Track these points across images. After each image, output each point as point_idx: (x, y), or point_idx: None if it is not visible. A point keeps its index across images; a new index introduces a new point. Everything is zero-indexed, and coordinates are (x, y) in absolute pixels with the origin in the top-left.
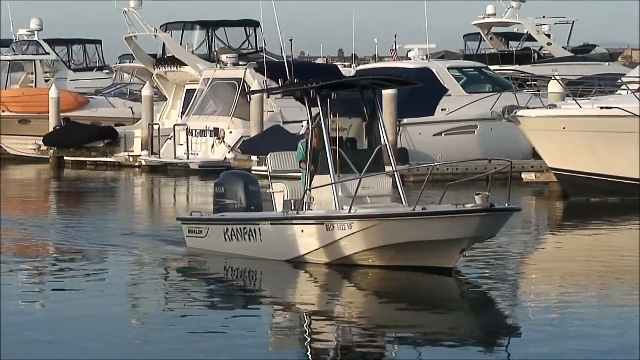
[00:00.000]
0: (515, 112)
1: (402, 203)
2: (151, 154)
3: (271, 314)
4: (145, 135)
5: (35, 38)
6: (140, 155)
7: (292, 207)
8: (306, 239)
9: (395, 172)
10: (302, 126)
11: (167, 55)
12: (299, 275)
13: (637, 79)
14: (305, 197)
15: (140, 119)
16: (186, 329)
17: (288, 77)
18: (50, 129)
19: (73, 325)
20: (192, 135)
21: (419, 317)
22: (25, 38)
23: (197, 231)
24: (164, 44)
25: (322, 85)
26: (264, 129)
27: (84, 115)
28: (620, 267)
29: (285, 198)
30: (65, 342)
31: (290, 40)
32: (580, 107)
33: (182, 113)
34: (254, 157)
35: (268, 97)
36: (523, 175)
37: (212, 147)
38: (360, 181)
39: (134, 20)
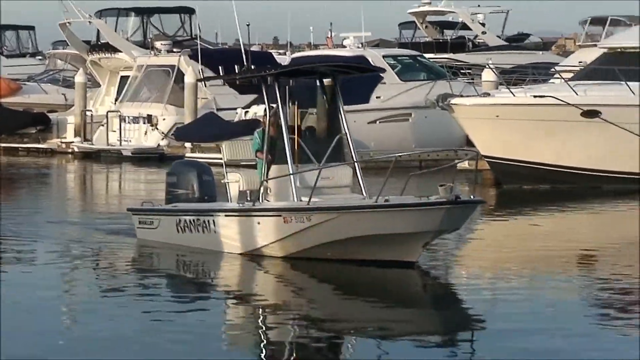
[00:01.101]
0: (450, 100)
1: (363, 194)
2: (84, 141)
3: (224, 309)
4: (78, 121)
5: None
6: (73, 142)
7: (248, 198)
8: (262, 232)
9: (356, 163)
10: (237, 113)
11: (102, 41)
12: (255, 269)
13: (570, 68)
14: (262, 188)
15: (73, 105)
16: (133, 323)
17: (245, 63)
18: None
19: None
20: (125, 122)
21: (379, 312)
22: None
23: (149, 222)
24: (98, 31)
25: (280, 72)
26: (198, 116)
27: (16, 102)
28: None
29: (241, 189)
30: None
31: (248, 25)
32: (514, 95)
33: (116, 100)
34: (187, 144)
35: (224, 84)
36: (458, 164)
37: (145, 133)
38: (320, 172)
39: (68, 6)
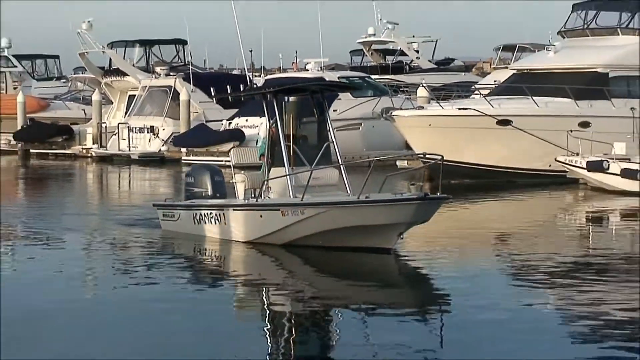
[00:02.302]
0: (392, 113)
1: (347, 192)
2: (100, 147)
3: (232, 287)
4: (95, 132)
5: (6, 54)
6: (91, 148)
7: (253, 195)
8: (264, 223)
9: (341, 165)
10: (222, 124)
11: (113, 67)
12: (258, 254)
13: (487, 86)
14: (264, 186)
15: (91, 119)
16: (155, 299)
17: (249, 84)
18: (19, 127)
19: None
20: (132, 131)
21: (361, 290)
22: None
23: (170, 215)
24: (110, 59)
25: (278, 90)
26: (191, 127)
27: (45, 116)
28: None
29: (247, 187)
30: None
31: (251, 51)
32: (443, 108)
33: (125, 114)
34: (183, 149)
35: (230, 100)
36: (397, 163)
37: (149, 141)
38: (311, 173)
39: (85, 39)
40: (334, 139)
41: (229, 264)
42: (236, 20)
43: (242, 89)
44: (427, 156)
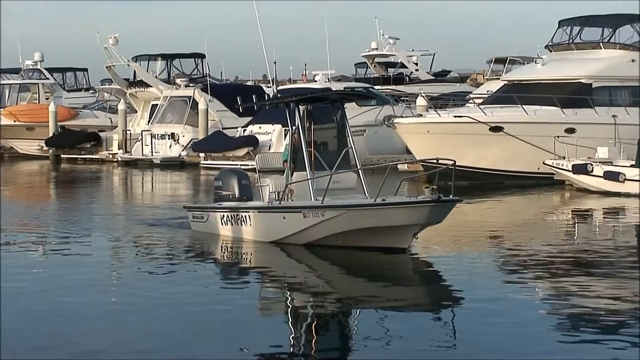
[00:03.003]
0: (393, 120)
1: (365, 195)
2: (125, 152)
3: (258, 284)
4: (121, 138)
5: (39, 67)
6: (117, 153)
7: (276, 198)
8: (287, 225)
9: (359, 170)
10: (237, 131)
11: (137, 79)
12: (281, 254)
13: (481, 96)
14: (287, 189)
15: (117, 126)
16: (182, 293)
17: (273, 93)
18: (50, 134)
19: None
20: (155, 138)
21: (378, 287)
22: (31, 67)
23: (200, 217)
24: (134, 71)
25: (300, 99)
26: (209, 134)
27: (75, 124)
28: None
29: (271, 190)
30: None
31: (275, 62)
32: (440, 116)
33: (148, 122)
34: (201, 154)
35: (255, 109)
36: (398, 166)
37: (170, 147)
38: (331, 177)
39: (112, 53)
40: (352, 145)
41: (254, 262)
42: (262, 36)
43: (255, 98)
44: (440, 161)
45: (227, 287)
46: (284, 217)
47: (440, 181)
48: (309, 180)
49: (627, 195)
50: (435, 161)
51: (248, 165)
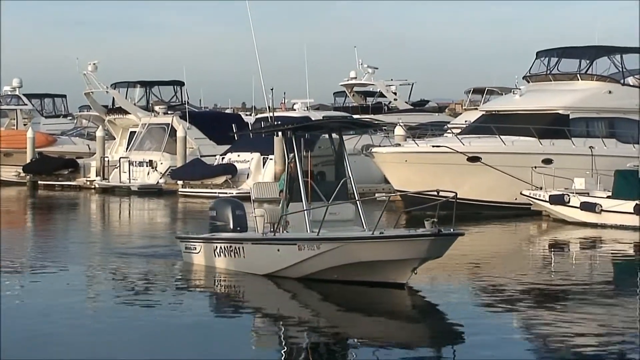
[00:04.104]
0: (371, 149)
1: (363, 227)
2: (103, 179)
3: (251, 318)
4: (99, 165)
5: (17, 93)
6: (95, 180)
7: (271, 229)
8: (281, 257)
9: (357, 201)
10: (216, 159)
11: (116, 106)
12: (275, 288)
13: (459, 126)
14: (282, 220)
15: (95, 153)
16: (173, 328)
17: (269, 120)
18: (28, 161)
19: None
20: (133, 165)
21: (375, 324)
22: (9, 93)
23: (192, 248)
24: (113, 98)
25: (297, 127)
26: (187, 161)
27: (53, 151)
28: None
29: (266, 221)
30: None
31: (272, 89)
32: (418, 145)
33: (126, 149)
34: (179, 182)
35: (251, 137)
36: (376, 195)
37: (148, 174)
38: (327, 208)
39: (91, 80)
40: (350, 175)
41: (247, 296)
42: (259, 64)
43: (234, 127)
44: (440, 193)
45: (218, 323)
46: (279, 250)
47: (416, 211)
48: (305, 212)
49: (604, 226)
50: (435, 193)
51: (226, 193)
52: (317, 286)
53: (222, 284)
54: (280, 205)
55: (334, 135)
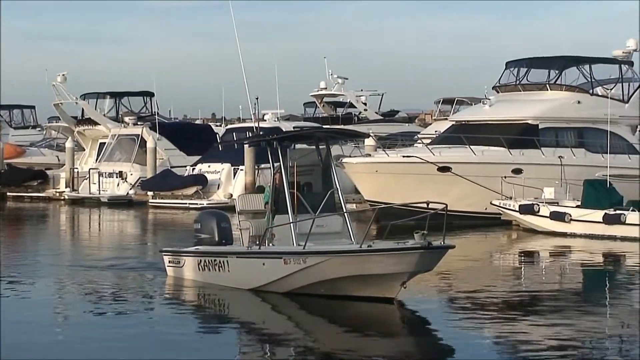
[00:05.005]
0: (341, 160)
1: (351, 240)
2: (72, 191)
3: (236, 335)
4: (68, 176)
5: None
6: (64, 192)
7: (256, 243)
8: (267, 272)
9: (345, 213)
10: (186, 170)
11: (85, 117)
12: (260, 303)
13: (429, 136)
14: (268, 233)
15: (65, 164)
16: (156, 344)
17: (255, 131)
18: None
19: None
20: (103, 176)
21: (362, 340)
22: None
23: (176, 262)
24: (82, 109)
25: (283, 137)
26: (157, 172)
27: (22, 162)
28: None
29: (251, 234)
30: None
31: (257, 98)
32: (388, 155)
33: (96, 160)
34: (149, 193)
35: (235, 147)
36: (347, 206)
37: (118, 185)
38: (313, 221)
39: (60, 91)
40: (337, 186)
41: (232, 312)
42: (244, 75)
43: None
44: (430, 205)
45: (201, 339)
46: (264, 263)
47: (386, 221)
48: (291, 224)
49: (573, 235)
50: (425, 205)
51: (197, 204)
52: (304, 301)
53: (206, 298)
54: (266, 217)
55: (320, 145)
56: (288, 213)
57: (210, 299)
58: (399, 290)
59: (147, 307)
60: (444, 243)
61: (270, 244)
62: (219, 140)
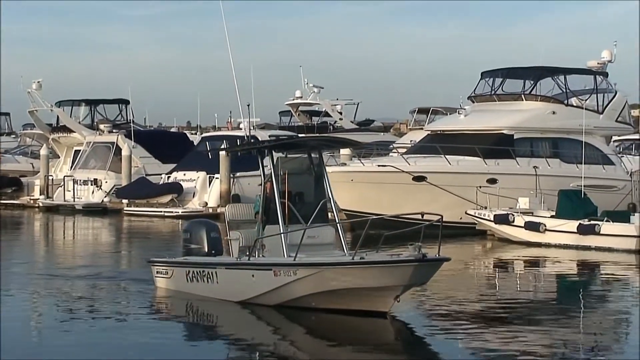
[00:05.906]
0: None
1: (344, 251)
2: (47, 198)
3: (225, 350)
4: (43, 184)
5: None
6: (39, 199)
7: (246, 253)
8: (256, 284)
9: (338, 224)
10: (161, 178)
11: (60, 124)
12: (249, 316)
13: (404, 145)
14: (258, 244)
15: (39, 171)
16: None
17: (246, 138)
18: None
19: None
20: (77, 184)
21: (354, 355)
22: None
23: (164, 272)
24: (58, 116)
25: (275, 145)
26: (132, 180)
27: None
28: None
29: (241, 245)
30: None
31: (248, 105)
32: (364, 165)
33: (71, 167)
34: (124, 200)
35: (227, 155)
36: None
37: (93, 192)
38: (304, 231)
39: (35, 98)
40: (331, 196)
41: (220, 324)
42: (235, 81)
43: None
44: (424, 216)
45: (189, 353)
46: (253, 275)
47: (361, 229)
48: (282, 235)
49: (548, 245)
50: (420, 216)
51: (172, 212)
52: (295, 314)
53: (194, 311)
54: (256, 227)
55: (312, 154)
56: (279, 223)
57: (198, 312)
58: (393, 304)
59: (125, 318)
60: (439, 255)
61: (261, 255)
62: (197, 149)
